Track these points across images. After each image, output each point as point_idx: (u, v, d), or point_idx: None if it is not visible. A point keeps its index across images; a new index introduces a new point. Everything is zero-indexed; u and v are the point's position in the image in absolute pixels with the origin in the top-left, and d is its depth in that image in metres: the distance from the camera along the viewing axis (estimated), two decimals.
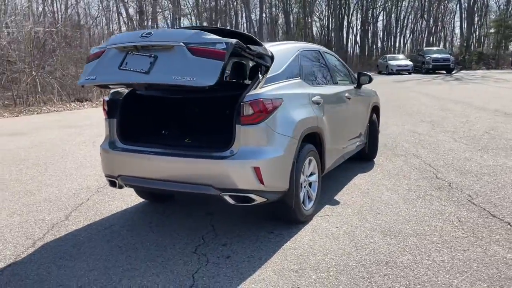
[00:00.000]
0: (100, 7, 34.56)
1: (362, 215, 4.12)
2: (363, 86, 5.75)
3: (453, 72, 29.32)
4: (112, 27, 34.74)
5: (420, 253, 3.32)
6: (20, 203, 4.68)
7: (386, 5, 48.67)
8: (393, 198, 4.57)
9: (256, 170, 3.29)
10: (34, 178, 5.68)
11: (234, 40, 3.12)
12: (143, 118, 4.11)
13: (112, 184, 3.86)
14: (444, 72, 29.48)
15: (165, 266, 3.18)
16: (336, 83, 4.90)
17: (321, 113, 4.13)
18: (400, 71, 29.74)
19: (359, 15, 48.70)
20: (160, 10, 39.57)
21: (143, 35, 3.29)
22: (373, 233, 3.70)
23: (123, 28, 34.18)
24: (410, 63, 30.41)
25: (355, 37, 50.68)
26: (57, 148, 7.66)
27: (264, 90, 3.45)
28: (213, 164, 3.35)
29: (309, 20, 47.02)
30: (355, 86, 5.44)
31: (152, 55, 3.22)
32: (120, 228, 3.93)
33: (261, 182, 3.32)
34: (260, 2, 36.24)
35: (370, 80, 5.48)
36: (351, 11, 48.27)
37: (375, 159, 6.24)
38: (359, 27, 49.20)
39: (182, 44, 3.12)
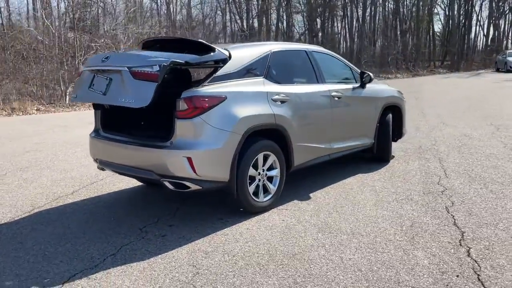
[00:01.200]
0: (215, 6, 36.72)
1: (318, 212, 4.21)
2: (373, 85, 5.69)
3: None
4: (225, 26, 36.64)
5: (336, 250, 3.38)
6: (51, 178, 5.63)
7: None
8: (366, 199, 4.54)
9: (189, 160, 3.66)
10: (77, 159, 6.69)
11: (168, 61, 3.53)
12: (123, 110, 4.65)
13: (97, 166, 4.52)
14: None
15: (108, 237, 3.72)
16: (322, 82, 4.94)
17: (285, 111, 4.29)
18: None
19: (487, 7, 44.33)
20: (274, 7, 40.69)
21: (103, 59, 3.90)
22: (311, 228, 3.81)
23: (235, 29, 35.85)
24: None
25: (483, 31, 46.36)
26: None
27: (206, 88, 3.78)
28: (155, 153, 3.81)
29: (428, 13, 44.04)
30: (356, 86, 5.41)
31: (108, 78, 3.82)
32: (103, 204, 4.59)
33: (194, 171, 3.68)
34: None
35: (371, 79, 5.41)
36: (481, 2, 44.30)
37: (391, 160, 6.09)
38: (486, 19, 44.90)
39: (126, 69, 3.64)
